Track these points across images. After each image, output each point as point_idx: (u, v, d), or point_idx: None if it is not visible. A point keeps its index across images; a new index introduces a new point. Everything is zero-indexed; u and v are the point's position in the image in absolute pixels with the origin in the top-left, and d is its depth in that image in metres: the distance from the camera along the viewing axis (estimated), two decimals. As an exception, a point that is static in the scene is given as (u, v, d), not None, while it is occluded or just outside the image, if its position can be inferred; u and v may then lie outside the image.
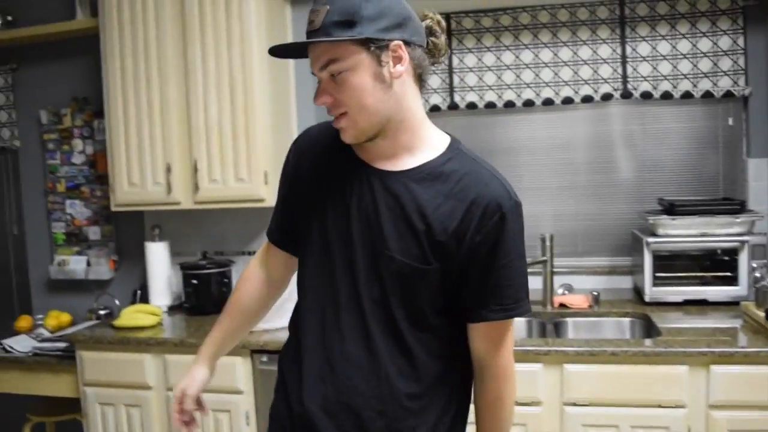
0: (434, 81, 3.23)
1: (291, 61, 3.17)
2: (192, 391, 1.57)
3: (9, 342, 3.17)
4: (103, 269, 3.58)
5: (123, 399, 2.85)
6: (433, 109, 3.26)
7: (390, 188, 1.29)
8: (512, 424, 1.44)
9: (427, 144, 1.32)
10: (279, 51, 1.29)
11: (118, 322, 2.97)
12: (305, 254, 1.40)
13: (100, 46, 3.09)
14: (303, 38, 1.25)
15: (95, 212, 3.61)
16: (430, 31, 1.31)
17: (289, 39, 3.17)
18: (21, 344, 3.16)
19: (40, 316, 3.51)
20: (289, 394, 1.40)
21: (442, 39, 1.32)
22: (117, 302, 3.49)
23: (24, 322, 3.47)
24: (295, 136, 3.16)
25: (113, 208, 3.22)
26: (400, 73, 1.23)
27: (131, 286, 3.54)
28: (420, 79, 1.31)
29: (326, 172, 1.38)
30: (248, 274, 1.62)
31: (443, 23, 1.33)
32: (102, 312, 3.43)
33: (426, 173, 1.29)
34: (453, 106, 3.23)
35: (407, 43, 1.24)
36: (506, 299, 1.29)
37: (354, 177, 1.32)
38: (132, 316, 2.94)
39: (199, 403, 1.59)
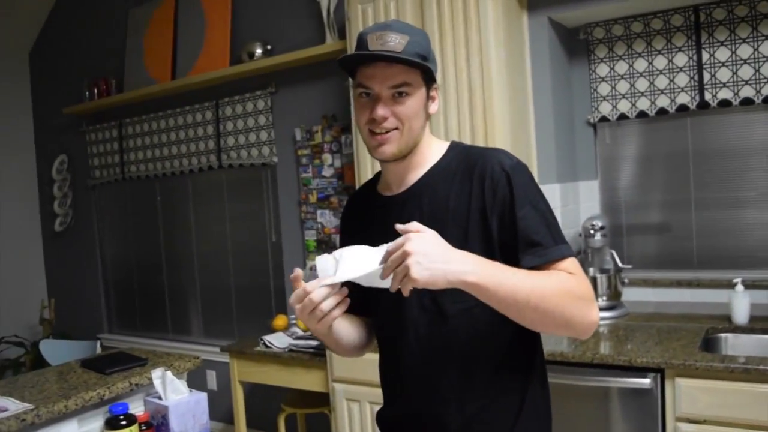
0: (681, 79, 3.05)
1: (528, 71, 3.16)
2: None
3: (269, 338, 3.49)
4: (349, 274, 3.80)
5: (368, 396, 3.01)
6: (680, 109, 3.07)
7: (407, 206, 1.42)
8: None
9: (429, 156, 1.45)
10: (346, 60, 1.40)
11: (364, 324, 3.14)
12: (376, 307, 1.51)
13: (348, 66, 3.31)
14: (396, 50, 1.35)
15: (342, 221, 3.86)
16: None
17: (527, 48, 3.16)
18: (279, 341, 3.47)
19: (294, 316, 3.82)
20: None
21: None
22: (361, 305, 3.69)
23: (280, 321, 3.81)
24: (533, 145, 3.17)
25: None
26: (434, 111, 1.44)
27: (373, 291, 3.72)
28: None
29: (364, 225, 1.51)
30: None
31: None
32: (348, 314, 3.65)
33: (431, 176, 1.42)
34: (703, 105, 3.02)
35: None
36: (536, 247, 1.30)
37: (381, 215, 1.45)
38: (376, 318, 3.09)
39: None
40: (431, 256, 1.13)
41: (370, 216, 1.51)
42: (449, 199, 1.37)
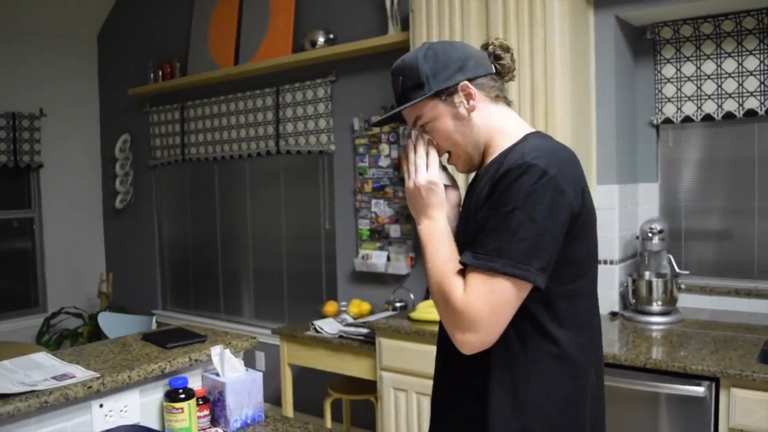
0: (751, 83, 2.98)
1: (592, 70, 3.12)
2: None
3: (319, 323, 3.54)
4: (401, 264, 3.83)
5: (415, 386, 3.03)
6: (748, 114, 3.00)
7: (469, 194, 1.46)
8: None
9: (500, 146, 1.41)
10: (384, 120, 1.52)
11: (414, 315, 3.17)
12: None
13: (410, 58, 3.32)
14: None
15: (396, 212, 3.89)
16: (495, 56, 1.46)
17: (592, 46, 3.12)
18: (329, 326, 3.52)
19: (344, 303, 3.87)
20: None
21: (508, 58, 1.46)
22: (412, 296, 3.72)
23: (331, 307, 3.86)
24: (593, 145, 3.13)
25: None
26: (474, 106, 1.41)
27: (425, 283, 3.74)
28: (498, 98, 1.45)
29: None
30: None
31: (505, 44, 1.47)
32: (398, 304, 3.68)
33: (490, 166, 1.39)
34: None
35: (472, 80, 1.40)
36: (479, 247, 1.27)
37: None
38: (427, 310, 3.11)
39: None
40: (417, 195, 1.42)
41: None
42: (483, 190, 1.35)
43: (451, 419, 1.45)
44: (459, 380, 1.42)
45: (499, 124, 1.44)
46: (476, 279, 1.26)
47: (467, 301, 1.26)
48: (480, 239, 1.28)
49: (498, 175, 1.29)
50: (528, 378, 1.33)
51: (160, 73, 5.12)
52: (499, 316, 1.26)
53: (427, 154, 1.44)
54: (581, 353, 1.36)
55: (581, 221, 1.32)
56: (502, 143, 1.41)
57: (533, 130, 1.45)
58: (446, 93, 1.40)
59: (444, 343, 1.45)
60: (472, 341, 1.27)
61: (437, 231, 1.38)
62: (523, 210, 1.24)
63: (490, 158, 1.42)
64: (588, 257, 1.38)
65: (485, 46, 1.48)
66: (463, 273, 1.30)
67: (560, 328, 1.33)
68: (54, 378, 1.66)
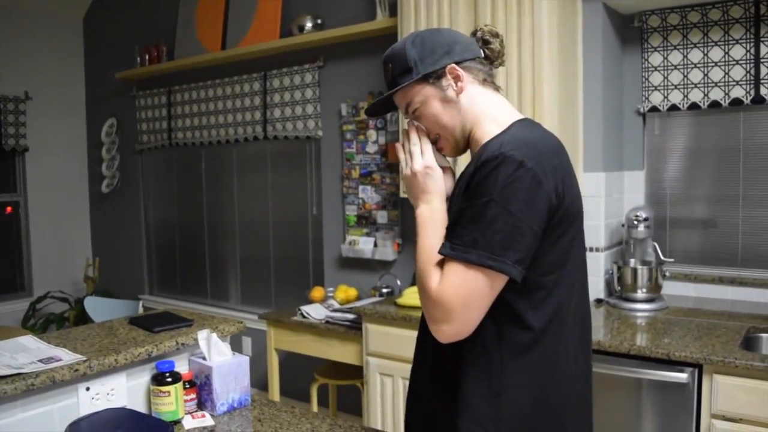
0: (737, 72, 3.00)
1: (580, 58, 3.13)
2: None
3: (306, 309, 3.55)
4: (388, 250, 3.84)
5: (401, 372, 3.05)
6: (734, 103, 3.02)
7: (457, 183, 1.44)
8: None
9: (487, 133, 1.41)
10: (375, 108, 1.57)
11: (401, 301, 3.19)
12: None
13: (398, 44, 3.32)
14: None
15: (384, 198, 3.89)
16: (483, 41, 1.47)
17: (580, 34, 3.12)
18: (316, 312, 3.53)
19: (331, 288, 3.87)
20: None
21: (497, 43, 1.48)
22: (398, 282, 3.73)
23: (317, 292, 3.87)
24: (580, 133, 3.15)
25: (401, 195, 3.45)
26: (462, 88, 1.42)
27: (412, 268, 3.76)
28: (487, 81, 1.47)
29: None
30: None
31: (494, 30, 1.49)
32: (384, 290, 3.70)
33: (471, 161, 1.39)
34: (757, 100, 2.96)
35: (459, 63, 1.42)
36: (455, 238, 1.28)
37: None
38: (414, 296, 3.12)
39: None
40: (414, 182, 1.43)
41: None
42: (462, 180, 1.37)
43: (425, 407, 1.46)
44: (435, 368, 1.43)
45: (485, 109, 1.44)
46: (451, 270, 1.27)
47: (440, 291, 1.27)
48: (457, 230, 1.28)
49: (477, 165, 1.29)
50: (503, 367, 1.32)
51: (147, 56, 5.07)
52: (473, 307, 1.27)
53: (420, 140, 1.45)
54: (559, 343, 1.36)
55: (562, 211, 1.30)
56: (488, 129, 1.41)
57: (522, 117, 1.44)
58: (434, 76, 1.42)
59: (423, 329, 1.47)
60: (445, 331, 1.28)
61: (431, 217, 1.39)
62: (498, 202, 1.23)
63: (476, 144, 1.42)
64: (571, 247, 1.36)
65: (474, 32, 1.50)
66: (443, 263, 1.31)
67: (537, 319, 1.32)
68: (40, 361, 1.66)
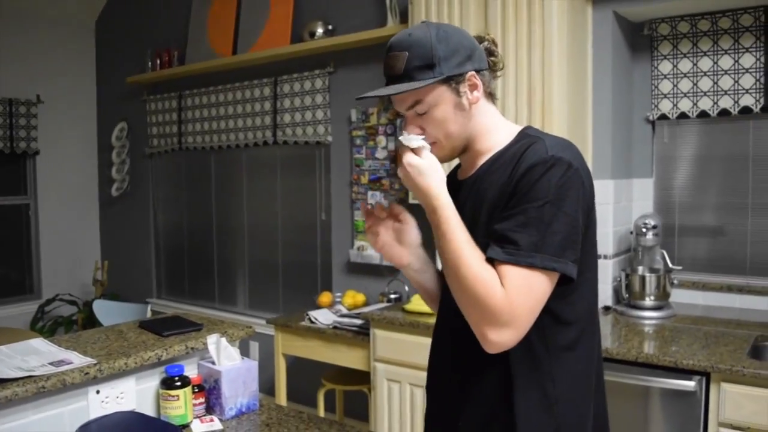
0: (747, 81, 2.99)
1: (589, 65, 3.13)
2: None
3: (314, 314, 3.56)
4: (395, 256, 3.83)
5: (409, 378, 3.06)
6: (743, 111, 3.02)
7: (471, 191, 1.40)
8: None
9: (498, 143, 1.40)
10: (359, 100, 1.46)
11: (409, 307, 3.19)
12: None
13: (408, 50, 3.32)
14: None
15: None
16: (489, 52, 1.42)
17: (590, 42, 3.13)
18: (324, 317, 3.53)
19: (339, 293, 3.88)
20: None
21: (499, 55, 1.44)
22: (406, 288, 3.74)
23: (325, 297, 3.88)
24: (589, 140, 3.15)
25: (410, 201, 3.46)
26: (477, 99, 1.36)
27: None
28: (490, 96, 1.43)
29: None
30: None
31: (496, 40, 1.45)
32: (392, 296, 3.70)
33: (492, 163, 1.38)
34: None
35: (478, 71, 1.36)
36: (508, 243, 1.24)
37: (455, 197, 1.36)
38: (421, 302, 3.13)
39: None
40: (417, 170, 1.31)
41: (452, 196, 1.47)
42: (493, 187, 1.34)
43: (469, 416, 1.40)
44: (474, 375, 1.38)
45: (489, 120, 1.41)
46: (514, 275, 1.23)
47: (509, 298, 1.22)
48: (510, 235, 1.24)
49: (520, 171, 1.27)
50: (553, 374, 1.32)
51: (158, 61, 5.11)
52: (535, 311, 1.25)
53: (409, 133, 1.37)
54: (594, 344, 1.39)
55: (592, 214, 1.34)
56: (494, 139, 1.40)
57: (520, 126, 1.44)
58: (455, 80, 1.33)
59: (453, 334, 1.41)
60: (506, 339, 1.24)
61: (450, 210, 1.29)
62: (554, 203, 1.23)
63: (478, 154, 1.41)
64: (593, 249, 1.39)
65: (480, 40, 1.43)
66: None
67: (574, 321, 1.34)
68: (51, 364, 1.68)
